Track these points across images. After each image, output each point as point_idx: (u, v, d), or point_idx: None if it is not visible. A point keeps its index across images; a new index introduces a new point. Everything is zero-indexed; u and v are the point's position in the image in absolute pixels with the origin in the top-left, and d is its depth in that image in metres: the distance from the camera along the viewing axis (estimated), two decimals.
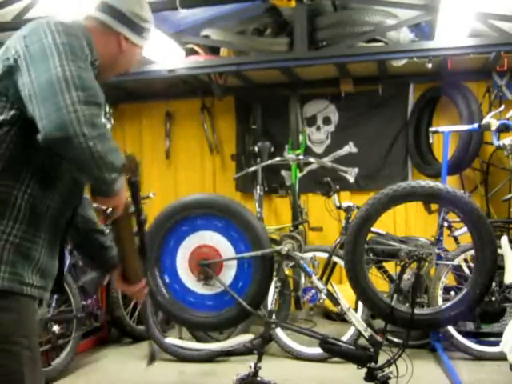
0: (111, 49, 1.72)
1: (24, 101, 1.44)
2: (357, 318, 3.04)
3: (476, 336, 3.98)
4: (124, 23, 1.71)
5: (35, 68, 1.42)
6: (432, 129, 4.52)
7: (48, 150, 1.43)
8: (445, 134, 4.16)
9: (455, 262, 3.86)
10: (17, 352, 1.49)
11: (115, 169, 1.47)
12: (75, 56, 1.45)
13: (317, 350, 3.79)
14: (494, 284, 3.66)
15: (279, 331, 4.04)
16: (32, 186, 1.53)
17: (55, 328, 3.69)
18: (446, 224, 4.14)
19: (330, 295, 3.06)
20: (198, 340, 4.11)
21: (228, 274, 3.06)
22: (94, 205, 1.72)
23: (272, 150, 5.40)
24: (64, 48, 1.44)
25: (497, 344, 3.60)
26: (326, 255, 4.06)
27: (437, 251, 3.14)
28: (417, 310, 2.95)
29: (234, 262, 3.05)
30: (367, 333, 2.94)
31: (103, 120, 1.49)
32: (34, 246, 1.55)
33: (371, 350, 2.92)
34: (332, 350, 3.08)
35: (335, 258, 4.06)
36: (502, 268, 3.06)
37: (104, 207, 1.65)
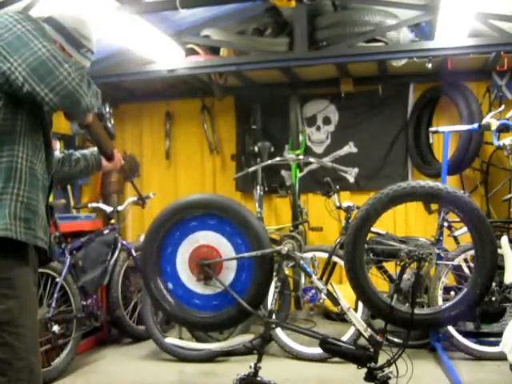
0: None
1: (13, 84, 1.66)
2: (357, 318, 3.04)
3: (476, 336, 3.97)
4: (62, 34, 1.95)
5: (20, 53, 1.64)
6: (432, 129, 4.52)
7: (35, 119, 1.78)
8: (445, 134, 4.16)
9: (455, 262, 3.86)
10: (23, 334, 1.73)
11: (98, 104, 1.86)
12: (46, 37, 1.70)
13: (317, 350, 3.79)
14: (494, 284, 3.66)
15: (279, 331, 4.04)
16: (27, 152, 1.77)
17: (55, 328, 3.69)
18: (446, 224, 4.14)
19: (330, 295, 3.05)
20: (198, 340, 4.11)
21: (228, 274, 3.06)
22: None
23: (272, 149, 5.40)
24: (36, 32, 1.68)
25: (497, 344, 3.60)
26: (326, 255, 4.05)
27: (437, 251, 3.13)
28: (417, 310, 2.95)
29: (234, 262, 3.05)
30: (367, 333, 2.94)
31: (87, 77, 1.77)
32: (38, 205, 1.80)
33: (371, 350, 2.92)
34: (332, 350, 3.08)
35: (335, 258, 4.06)
36: (502, 268, 3.06)
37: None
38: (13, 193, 1.72)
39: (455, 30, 3.92)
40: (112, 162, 2.37)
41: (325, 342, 3.02)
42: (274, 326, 3.25)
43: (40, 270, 3.69)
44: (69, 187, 5.44)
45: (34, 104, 1.73)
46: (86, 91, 1.72)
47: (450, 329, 3.89)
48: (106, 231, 4.38)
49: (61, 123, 5.29)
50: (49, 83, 1.64)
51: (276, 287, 3.18)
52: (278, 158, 4.88)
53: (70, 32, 1.96)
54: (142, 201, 4.55)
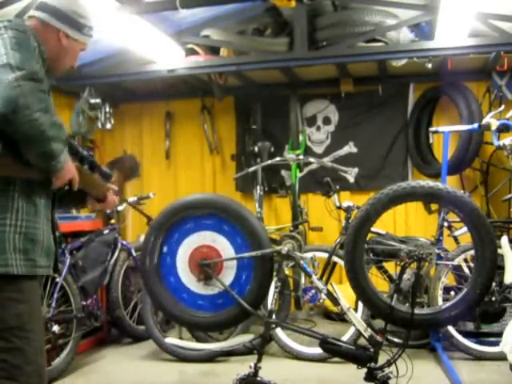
0: (52, 45, 1.87)
1: None
2: (357, 318, 3.04)
3: (476, 336, 3.98)
4: (63, 20, 1.87)
5: None
6: (432, 129, 4.52)
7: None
8: (445, 134, 4.17)
9: (455, 262, 3.86)
10: (33, 338, 1.74)
11: (61, 140, 1.66)
12: (19, 46, 1.63)
13: (317, 350, 3.79)
14: (494, 284, 3.66)
15: (279, 331, 4.04)
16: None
17: (55, 328, 3.68)
18: (446, 224, 4.14)
19: (330, 295, 3.06)
20: (198, 340, 4.11)
21: (228, 275, 3.06)
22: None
23: (272, 149, 5.40)
24: (10, 40, 1.62)
25: (497, 344, 3.60)
26: (326, 255, 4.06)
27: (437, 251, 3.14)
28: (417, 310, 2.95)
29: (234, 262, 3.05)
30: (367, 333, 2.94)
31: (46, 97, 1.65)
32: (37, 231, 1.77)
33: (371, 350, 2.92)
34: (332, 350, 3.08)
35: (335, 258, 4.06)
36: (502, 268, 3.06)
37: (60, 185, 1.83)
38: (11, 224, 1.70)
39: (455, 30, 3.92)
40: (104, 204, 2.20)
41: (325, 342, 3.02)
42: (274, 326, 3.25)
43: None
44: None
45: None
46: (37, 105, 1.58)
47: (450, 329, 3.89)
48: (105, 231, 4.38)
49: None
50: None
51: (276, 287, 3.18)
52: (277, 158, 4.87)
53: (69, 16, 1.89)
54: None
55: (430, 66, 4.46)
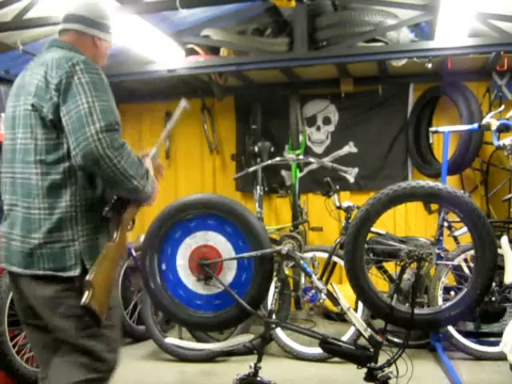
0: (90, 50, 2.09)
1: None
2: (357, 317, 3.04)
3: (476, 336, 3.98)
4: (94, 27, 2.09)
5: (67, 106, 1.82)
6: (432, 129, 4.52)
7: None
8: (445, 134, 4.17)
9: (455, 262, 3.86)
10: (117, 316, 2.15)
11: (140, 175, 1.89)
12: (97, 91, 1.84)
13: (317, 350, 3.80)
14: (494, 284, 3.66)
15: (279, 331, 4.04)
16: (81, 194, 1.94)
17: None
18: (446, 224, 4.14)
19: (330, 295, 3.05)
20: (198, 340, 4.11)
21: (228, 275, 3.06)
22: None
23: (272, 149, 5.40)
24: (88, 86, 1.83)
25: (497, 344, 3.60)
26: (325, 255, 4.06)
27: (437, 251, 3.14)
28: (417, 310, 2.95)
29: (234, 262, 3.05)
30: (367, 333, 2.94)
31: (120, 138, 1.85)
32: (100, 236, 1.99)
33: (371, 349, 2.92)
34: (332, 350, 3.08)
35: (335, 258, 4.06)
36: (502, 268, 3.06)
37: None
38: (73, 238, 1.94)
39: (455, 30, 3.92)
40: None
41: (325, 342, 3.02)
42: (274, 325, 3.25)
43: None
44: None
45: None
46: (115, 153, 1.78)
47: (450, 329, 3.89)
48: None
49: None
50: (77, 138, 1.79)
51: (276, 287, 3.18)
52: (277, 158, 4.88)
53: (97, 21, 2.10)
54: None
55: (430, 66, 4.46)
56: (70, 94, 1.83)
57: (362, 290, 2.95)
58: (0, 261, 2.04)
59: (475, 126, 4.06)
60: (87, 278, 1.87)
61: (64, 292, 1.92)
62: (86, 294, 1.86)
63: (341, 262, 3.95)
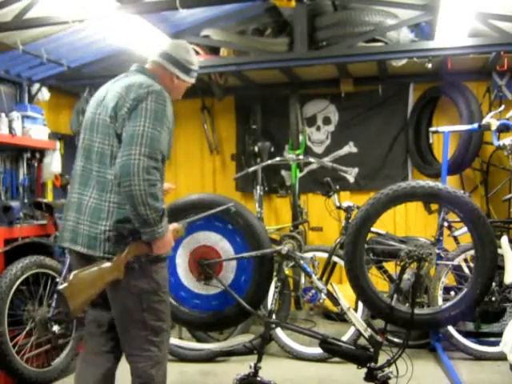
0: (167, 83, 2.42)
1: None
2: (357, 317, 3.04)
3: (476, 336, 3.98)
4: (176, 66, 2.43)
5: (129, 123, 2.16)
6: (432, 129, 4.53)
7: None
8: (445, 134, 4.17)
9: (455, 262, 3.86)
10: (167, 299, 2.35)
11: (156, 209, 2.07)
12: (156, 120, 2.15)
13: (317, 350, 3.79)
14: (494, 284, 3.66)
15: (279, 331, 4.04)
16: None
17: (55, 328, 3.68)
18: (446, 224, 4.14)
19: (330, 295, 3.06)
20: (198, 340, 4.11)
21: (228, 275, 3.06)
22: None
23: (272, 149, 5.40)
24: (150, 113, 2.15)
25: (497, 344, 3.60)
26: (325, 255, 4.06)
27: (437, 251, 3.14)
28: (417, 310, 2.96)
29: (234, 262, 3.05)
30: (367, 333, 2.94)
31: (158, 175, 2.11)
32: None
33: (371, 349, 2.92)
34: (332, 350, 3.09)
35: (335, 258, 4.06)
36: (502, 268, 3.06)
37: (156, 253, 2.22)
38: None
39: (455, 30, 3.92)
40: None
41: (325, 342, 3.03)
42: (274, 325, 3.25)
43: (40, 270, 3.70)
44: (69, 187, 5.44)
45: None
46: (146, 176, 2.04)
47: (450, 329, 3.89)
48: None
49: (60, 123, 5.30)
50: (124, 151, 2.09)
51: (276, 287, 3.19)
52: (277, 158, 4.87)
53: (181, 62, 2.44)
54: None
55: (429, 65, 4.46)
56: (134, 114, 2.15)
57: (362, 290, 2.96)
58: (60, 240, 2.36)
59: (475, 126, 4.06)
60: (74, 272, 2.15)
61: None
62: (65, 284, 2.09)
63: (341, 262, 3.95)
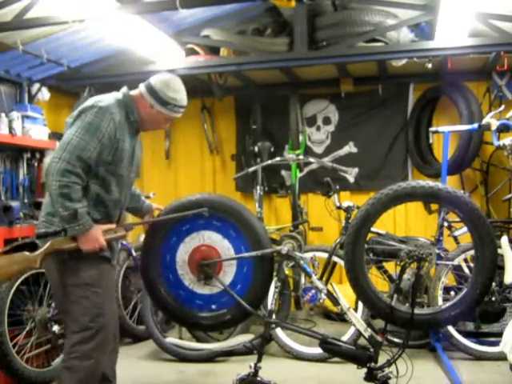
0: (142, 111, 2.63)
1: None
2: (357, 317, 3.04)
3: (476, 336, 3.98)
4: (153, 97, 2.59)
5: (67, 130, 2.46)
6: (432, 129, 4.53)
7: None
8: (445, 134, 4.17)
9: (455, 262, 3.86)
10: (96, 299, 2.51)
11: (66, 208, 2.32)
12: (87, 131, 2.39)
13: (317, 350, 3.79)
14: (494, 284, 3.66)
15: (279, 331, 4.04)
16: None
17: (55, 328, 3.68)
18: (446, 224, 4.14)
19: (330, 295, 3.05)
20: (198, 340, 4.11)
21: (228, 274, 3.06)
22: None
23: (272, 149, 5.40)
24: (84, 124, 2.40)
25: (497, 344, 3.60)
26: (325, 255, 4.06)
27: (437, 251, 3.14)
28: (417, 310, 2.95)
29: (234, 262, 3.05)
30: (367, 333, 2.94)
31: (74, 178, 2.34)
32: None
33: (371, 349, 2.92)
34: (332, 350, 3.08)
35: (335, 258, 4.06)
36: (502, 268, 3.06)
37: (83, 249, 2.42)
38: None
39: (455, 30, 3.92)
40: None
41: (325, 342, 3.02)
42: (274, 325, 3.25)
43: (40, 269, 3.70)
44: None
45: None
46: (59, 178, 2.31)
47: (450, 329, 3.89)
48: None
49: (60, 123, 5.30)
50: (53, 153, 2.40)
51: (276, 287, 3.18)
52: (278, 158, 4.88)
53: (158, 94, 2.59)
54: None
55: (429, 66, 4.46)
56: (74, 123, 2.43)
57: (362, 290, 2.95)
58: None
59: (475, 126, 4.06)
60: None
61: None
62: None
63: (341, 262, 3.95)
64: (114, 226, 2.56)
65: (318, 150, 5.72)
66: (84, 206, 2.38)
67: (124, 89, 2.67)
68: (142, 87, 2.64)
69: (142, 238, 3.20)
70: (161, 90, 2.59)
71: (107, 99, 2.53)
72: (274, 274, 3.13)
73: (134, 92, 2.65)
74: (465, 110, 4.85)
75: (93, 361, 2.46)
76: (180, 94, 2.64)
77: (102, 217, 2.56)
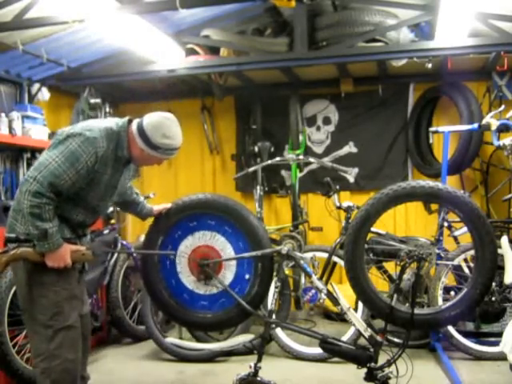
0: (134, 150, 2.61)
1: None
2: (357, 317, 3.04)
3: (476, 336, 3.98)
4: (143, 140, 2.56)
5: (48, 150, 2.50)
6: (432, 129, 4.53)
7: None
8: (445, 134, 4.17)
9: (455, 262, 3.86)
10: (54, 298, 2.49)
11: (36, 227, 2.33)
12: (66, 159, 2.39)
13: (317, 350, 3.79)
14: (494, 284, 3.66)
15: (279, 331, 4.04)
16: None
17: None
18: (446, 224, 4.14)
19: (330, 295, 3.05)
20: (198, 340, 4.11)
21: (228, 274, 3.06)
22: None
23: (272, 149, 5.40)
24: (66, 151, 2.40)
25: (497, 344, 3.60)
26: (325, 255, 4.06)
27: (437, 251, 3.14)
28: (417, 310, 2.95)
29: (234, 262, 3.05)
30: (367, 333, 2.94)
31: (45, 199, 2.33)
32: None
33: (371, 349, 2.92)
34: (332, 350, 3.08)
35: (335, 258, 4.06)
36: (502, 268, 3.06)
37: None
38: None
39: (455, 30, 3.92)
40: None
41: (325, 342, 3.02)
42: (274, 325, 3.25)
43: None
44: None
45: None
46: (30, 198, 2.31)
47: (450, 329, 3.89)
48: (106, 231, 4.38)
49: (60, 123, 5.30)
50: (29, 171, 2.42)
51: (276, 287, 3.18)
52: (277, 158, 4.88)
53: (149, 138, 2.56)
54: None
55: (429, 65, 4.46)
56: (57, 146, 2.44)
57: (362, 290, 2.95)
58: None
59: (475, 126, 4.06)
60: None
61: None
62: None
63: (341, 262, 3.95)
64: (83, 248, 2.54)
65: (318, 150, 5.72)
66: (55, 225, 2.38)
67: (123, 121, 2.62)
68: (134, 127, 2.59)
69: (142, 238, 3.20)
70: (151, 135, 2.55)
71: (97, 129, 2.48)
72: (274, 274, 3.13)
73: (130, 126, 2.61)
74: (465, 110, 4.85)
75: (61, 360, 2.43)
76: (171, 140, 2.61)
77: (71, 236, 2.56)
